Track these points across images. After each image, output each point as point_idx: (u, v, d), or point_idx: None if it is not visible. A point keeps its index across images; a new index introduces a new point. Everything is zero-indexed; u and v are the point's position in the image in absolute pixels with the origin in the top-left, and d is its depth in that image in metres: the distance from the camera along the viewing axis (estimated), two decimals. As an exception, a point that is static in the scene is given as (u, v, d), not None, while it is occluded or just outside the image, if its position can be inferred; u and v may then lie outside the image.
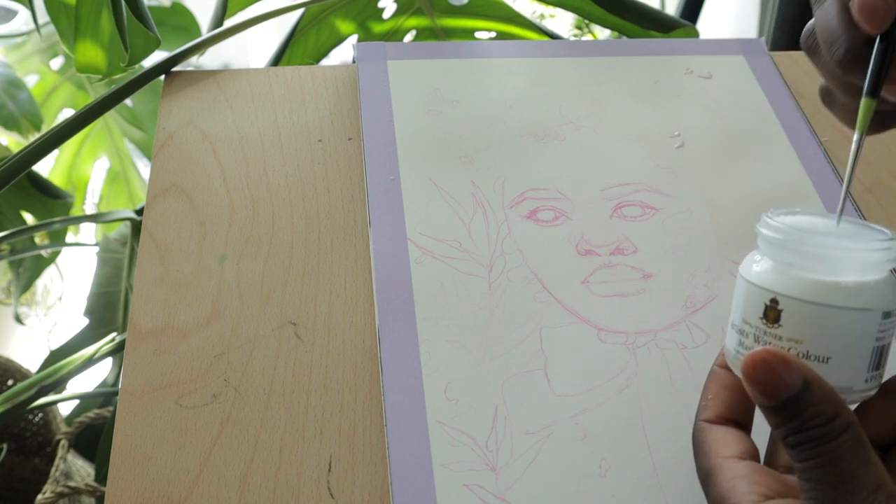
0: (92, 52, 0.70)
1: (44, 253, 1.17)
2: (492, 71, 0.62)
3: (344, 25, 0.82)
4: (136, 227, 1.00)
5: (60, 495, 0.83)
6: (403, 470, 0.42)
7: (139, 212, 0.96)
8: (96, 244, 1.17)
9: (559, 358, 0.47)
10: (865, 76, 0.37)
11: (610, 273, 0.51)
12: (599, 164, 0.56)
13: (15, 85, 1.10)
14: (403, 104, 0.58)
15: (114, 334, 0.88)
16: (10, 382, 1.14)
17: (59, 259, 1.26)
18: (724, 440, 0.36)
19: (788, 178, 0.56)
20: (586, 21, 1.27)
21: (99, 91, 1.18)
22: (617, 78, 0.62)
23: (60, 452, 0.92)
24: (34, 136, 1.06)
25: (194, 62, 0.74)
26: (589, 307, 0.49)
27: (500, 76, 0.61)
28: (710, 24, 1.68)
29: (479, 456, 0.43)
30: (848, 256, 0.34)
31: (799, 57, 0.67)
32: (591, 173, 0.56)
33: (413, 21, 0.83)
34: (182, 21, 1.10)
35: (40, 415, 1.14)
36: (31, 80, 1.22)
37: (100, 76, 0.71)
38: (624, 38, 0.83)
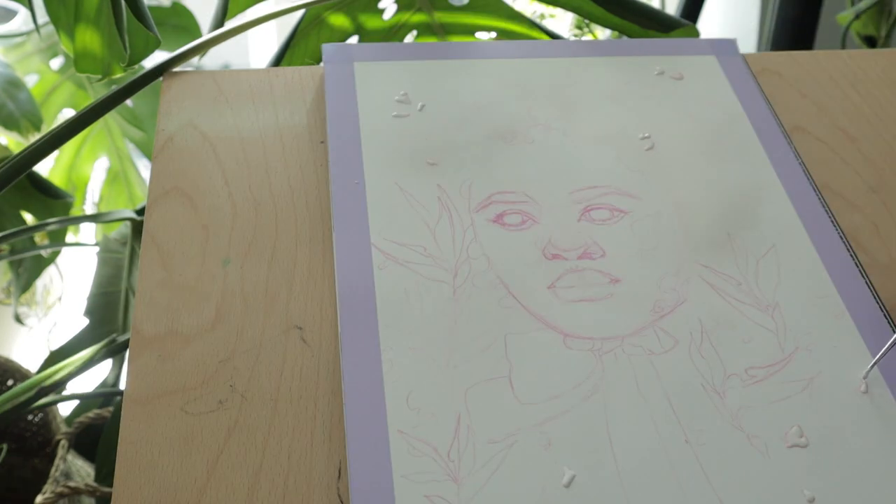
0: (92, 53, 0.69)
1: (44, 253, 1.16)
2: (461, 73, 0.61)
3: (344, 25, 0.82)
4: (137, 227, 0.99)
5: (60, 495, 0.82)
6: (363, 481, 0.41)
7: (139, 212, 0.96)
8: (96, 244, 1.17)
9: (524, 365, 0.46)
10: None
11: (577, 278, 0.50)
12: (568, 166, 0.56)
13: (15, 85, 1.09)
14: (369, 107, 0.58)
15: (114, 335, 0.87)
16: (10, 382, 1.14)
17: (59, 259, 1.25)
18: None
19: (758, 180, 0.56)
20: (586, 21, 1.27)
21: (99, 91, 1.18)
22: (588, 79, 0.62)
23: (60, 452, 0.92)
24: (34, 137, 1.06)
25: (195, 63, 0.74)
26: (555, 313, 0.48)
27: (470, 78, 0.61)
28: (709, 24, 1.68)
29: (440, 466, 0.42)
30: None
31: (799, 57, 0.66)
32: (560, 176, 0.55)
33: (413, 21, 0.83)
34: (182, 21, 1.09)
35: (40, 415, 1.13)
36: (31, 80, 1.21)
37: (100, 76, 0.70)
38: (601, 39, 0.83)
